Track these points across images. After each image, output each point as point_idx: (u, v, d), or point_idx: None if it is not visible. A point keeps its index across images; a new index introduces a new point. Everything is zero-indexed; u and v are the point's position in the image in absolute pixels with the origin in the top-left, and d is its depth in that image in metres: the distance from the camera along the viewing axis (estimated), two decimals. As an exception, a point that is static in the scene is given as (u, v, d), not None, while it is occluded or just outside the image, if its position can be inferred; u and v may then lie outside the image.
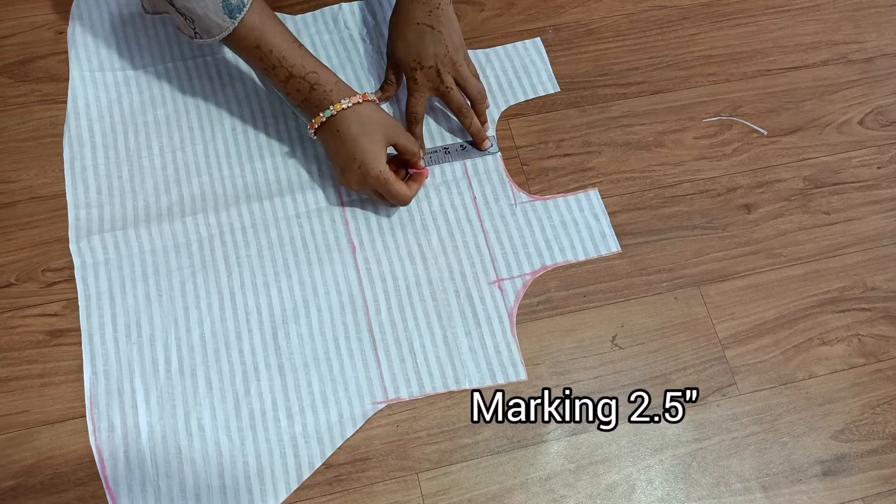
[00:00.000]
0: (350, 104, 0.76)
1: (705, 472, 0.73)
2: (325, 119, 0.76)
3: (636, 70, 0.92)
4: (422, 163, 0.81)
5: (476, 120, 0.84)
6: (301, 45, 0.77)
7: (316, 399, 0.73)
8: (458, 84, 0.83)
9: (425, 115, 0.87)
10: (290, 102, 0.79)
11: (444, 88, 0.82)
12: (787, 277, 0.81)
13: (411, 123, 0.84)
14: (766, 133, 0.89)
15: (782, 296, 0.80)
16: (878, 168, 0.87)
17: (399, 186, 0.77)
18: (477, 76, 0.85)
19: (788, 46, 0.95)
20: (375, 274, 0.79)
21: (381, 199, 0.80)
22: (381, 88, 0.87)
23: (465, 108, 0.83)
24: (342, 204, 0.82)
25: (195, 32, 0.74)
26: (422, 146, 0.84)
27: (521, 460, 0.73)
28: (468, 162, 0.85)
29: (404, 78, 0.85)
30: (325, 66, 0.78)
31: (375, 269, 0.79)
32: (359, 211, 0.82)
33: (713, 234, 0.83)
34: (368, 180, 0.76)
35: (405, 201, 0.79)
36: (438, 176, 0.84)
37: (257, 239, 0.80)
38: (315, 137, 0.79)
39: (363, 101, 0.77)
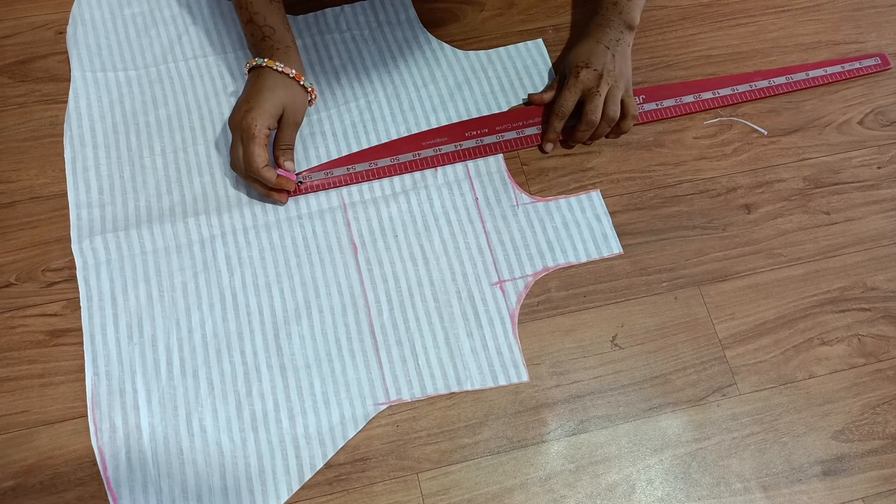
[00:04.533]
0: (282, 69, 0.78)
1: (705, 472, 0.73)
2: (256, 63, 0.79)
3: (636, 70, 0.92)
4: (290, 164, 0.79)
5: (586, 136, 0.85)
6: (276, 2, 0.82)
7: (317, 400, 0.73)
8: (607, 101, 0.83)
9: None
10: (247, 43, 0.85)
11: (595, 91, 0.83)
12: (787, 277, 0.81)
13: (555, 116, 0.84)
14: (766, 133, 0.89)
15: (782, 296, 0.80)
16: (878, 168, 0.88)
17: (257, 149, 0.75)
18: (634, 112, 0.85)
19: (788, 46, 0.95)
20: (377, 275, 0.79)
21: (236, 162, 0.78)
22: (545, 89, 0.89)
23: (592, 120, 0.83)
24: (344, 205, 0.82)
25: None
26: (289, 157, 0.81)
27: (521, 460, 0.73)
28: (470, 163, 0.85)
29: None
30: (289, 31, 0.82)
31: (377, 269, 0.79)
32: (360, 212, 0.82)
33: (713, 234, 0.83)
34: (242, 123, 0.76)
35: (251, 164, 0.76)
36: (440, 177, 0.84)
37: (259, 240, 0.80)
38: (246, 75, 0.82)
39: (297, 79, 0.79)
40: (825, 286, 0.81)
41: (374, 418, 0.73)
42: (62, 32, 0.90)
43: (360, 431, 0.73)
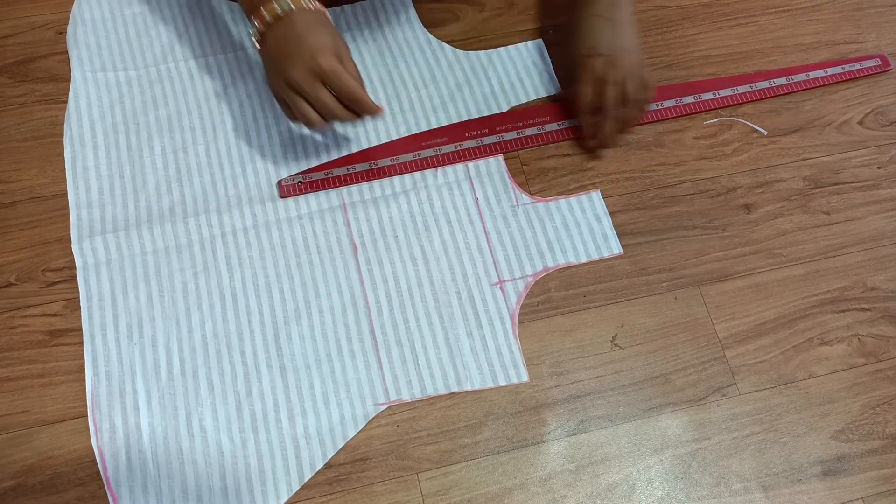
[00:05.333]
0: (312, 6, 0.72)
1: (705, 472, 0.73)
2: (282, 10, 0.71)
3: (637, 70, 0.92)
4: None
5: (614, 127, 0.82)
6: None
7: (317, 400, 0.73)
8: (625, 85, 0.80)
9: None
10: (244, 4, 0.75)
11: (606, 81, 0.79)
12: (787, 277, 0.81)
13: (583, 115, 0.83)
14: (766, 133, 0.89)
15: (782, 296, 0.80)
16: (878, 168, 0.88)
17: (350, 77, 0.70)
18: (650, 84, 0.82)
19: (788, 46, 0.95)
20: (377, 275, 0.79)
21: (294, 112, 0.73)
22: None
23: (611, 108, 0.80)
24: (344, 205, 0.82)
25: None
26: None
27: (521, 460, 0.73)
28: (470, 163, 0.85)
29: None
30: None
31: (377, 270, 0.79)
32: (360, 212, 0.82)
33: (713, 234, 0.83)
34: (318, 64, 0.69)
35: (353, 92, 0.71)
36: (440, 177, 0.84)
37: (259, 240, 0.80)
38: (254, 37, 0.74)
39: (324, 12, 0.74)
40: (825, 286, 0.81)
41: (374, 418, 0.73)
42: (62, 32, 0.90)
43: (360, 431, 0.73)
